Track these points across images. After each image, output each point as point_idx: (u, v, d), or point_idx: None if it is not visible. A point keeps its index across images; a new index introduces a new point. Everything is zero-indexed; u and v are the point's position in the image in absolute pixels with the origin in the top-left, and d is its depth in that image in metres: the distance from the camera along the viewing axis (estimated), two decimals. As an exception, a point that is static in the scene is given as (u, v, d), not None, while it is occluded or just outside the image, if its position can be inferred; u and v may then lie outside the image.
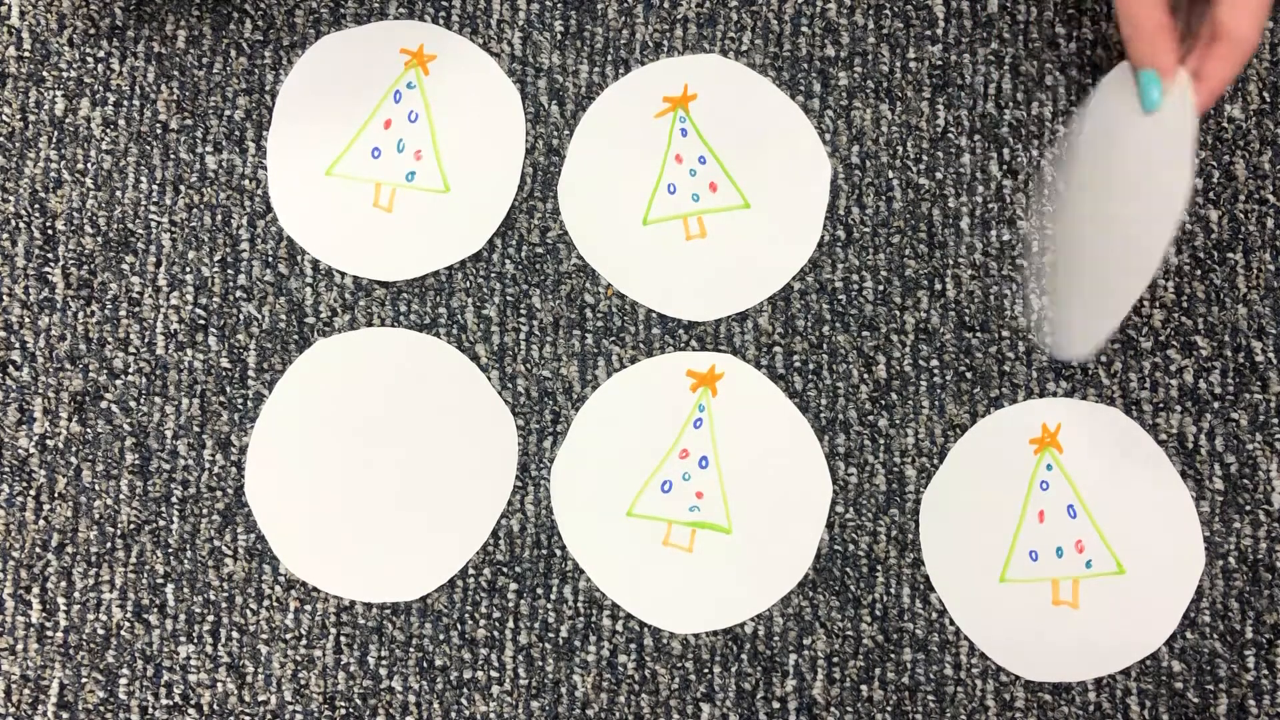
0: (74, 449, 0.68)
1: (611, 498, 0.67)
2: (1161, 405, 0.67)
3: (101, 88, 0.71)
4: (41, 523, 0.68)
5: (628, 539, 0.67)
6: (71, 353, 0.69)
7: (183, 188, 0.70)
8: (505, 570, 0.67)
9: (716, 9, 0.70)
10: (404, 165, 0.70)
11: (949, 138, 0.69)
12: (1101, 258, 0.63)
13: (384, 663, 0.66)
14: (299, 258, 0.69)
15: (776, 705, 0.65)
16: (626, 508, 0.67)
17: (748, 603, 0.66)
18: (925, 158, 0.69)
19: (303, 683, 0.66)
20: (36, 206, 0.70)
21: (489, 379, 0.68)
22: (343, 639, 0.66)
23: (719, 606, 0.66)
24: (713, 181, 0.69)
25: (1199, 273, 0.68)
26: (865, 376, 0.68)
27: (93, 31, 0.71)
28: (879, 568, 0.66)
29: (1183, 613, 0.65)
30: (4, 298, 0.69)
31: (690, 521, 0.67)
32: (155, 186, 0.70)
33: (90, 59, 0.71)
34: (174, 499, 0.68)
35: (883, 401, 0.67)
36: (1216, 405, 0.67)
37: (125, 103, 0.71)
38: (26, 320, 0.69)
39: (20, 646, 0.67)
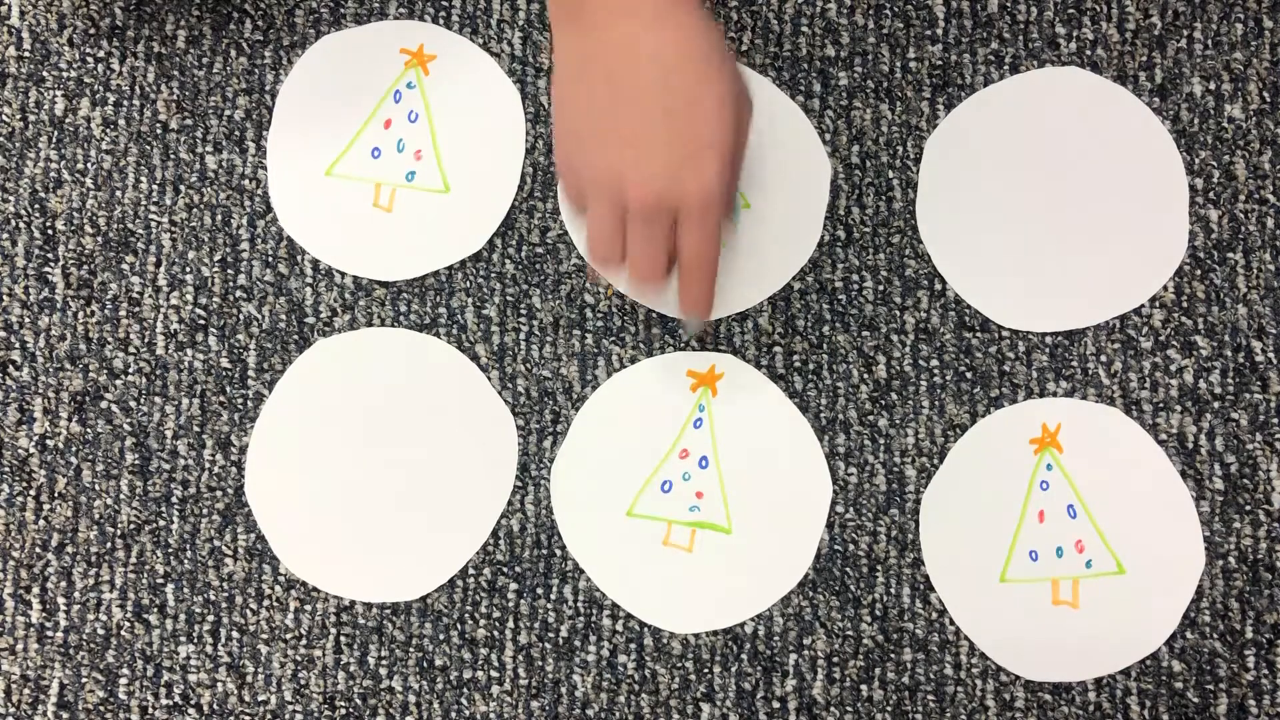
0: (74, 449, 0.68)
1: (611, 498, 0.67)
2: (1161, 405, 0.67)
3: (101, 88, 0.71)
4: (41, 523, 0.68)
5: (628, 539, 0.67)
6: (71, 353, 0.69)
7: (183, 188, 0.70)
8: (505, 570, 0.67)
9: (716, 9, 0.70)
10: (404, 165, 0.70)
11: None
12: None
13: (384, 663, 0.66)
14: (299, 258, 0.69)
15: (776, 705, 0.65)
16: (626, 508, 0.67)
17: (748, 603, 0.66)
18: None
19: (303, 683, 0.66)
20: (36, 206, 0.70)
21: (489, 379, 0.68)
22: (343, 639, 0.66)
23: (719, 606, 0.66)
24: (713, 181, 0.69)
25: (1199, 273, 0.68)
26: (865, 376, 0.68)
27: (93, 31, 0.71)
28: (879, 568, 0.66)
29: (1183, 613, 0.65)
30: (4, 298, 0.69)
31: (690, 521, 0.67)
32: (155, 186, 0.70)
33: (90, 59, 0.71)
34: (174, 499, 0.68)
35: (883, 401, 0.67)
36: (1216, 405, 0.67)
37: (125, 103, 0.71)
38: (26, 320, 0.69)
39: (20, 646, 0.67)
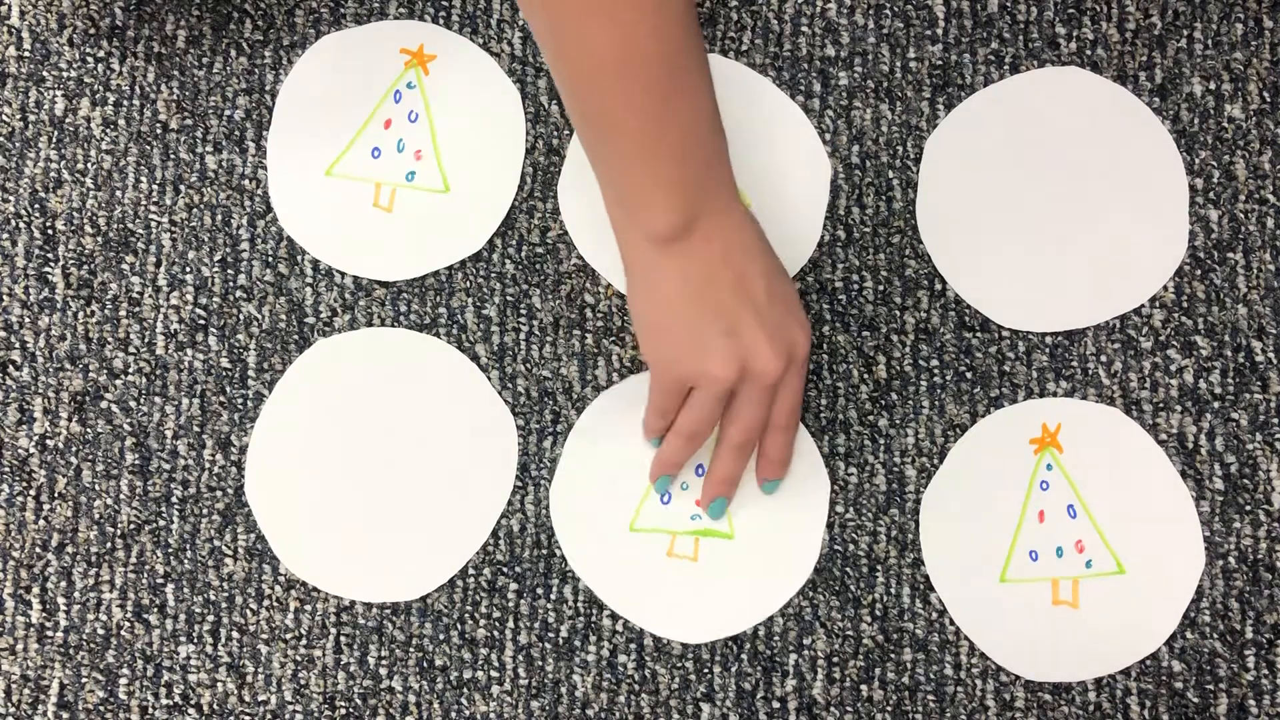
0: (74, 449, 0.68)
1: (612, 515, 0.67)
2: (1161, 405, 0.67)
3: (101, 88, 0.71)
4: (41, 523, 0.68)
5: (633, 555, 0.66)
6: (71, 353, 0.69)
7: (183, 188, 0.70)
8: (505, 570, 0.67)
9: (716, 9, 0.70)
10: (404, 165, 0.70)
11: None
12: None
13: (384, 663, 0.66)
14: (299, 258, 0.69)
15: (776, 705, 0.65)
16: (628, 523, 0.67)
17: (755, 607, 0.66)
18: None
19: (303, 683, 0.66)
20: (36, 206, 0.70)
21: (489, 379, 0.68)
22: (343, 639, 0.66)
23: (729, 614, 0.66)
24: (713, 181, 0.69)
25: (1199, 273, 0.68)
26: (865, 376, 0.68)
27: (93, 31, 0.71)
28: (879, 568, 0.66)
29: (1183, 613, 0.65)
30: (4, 298, 0.69)
31: (693, 530, 0.66)
32: (155, 186, 0.70)
33: (90, 59, 0.71)
34: (174, 499, 0.68)
35: (883, 401, 0.67)
36: (1216, 405, 0.67)
37: (125, 103, 0.71)
38: (26, 320, 0.69)
39: (20, 646, 0.67)
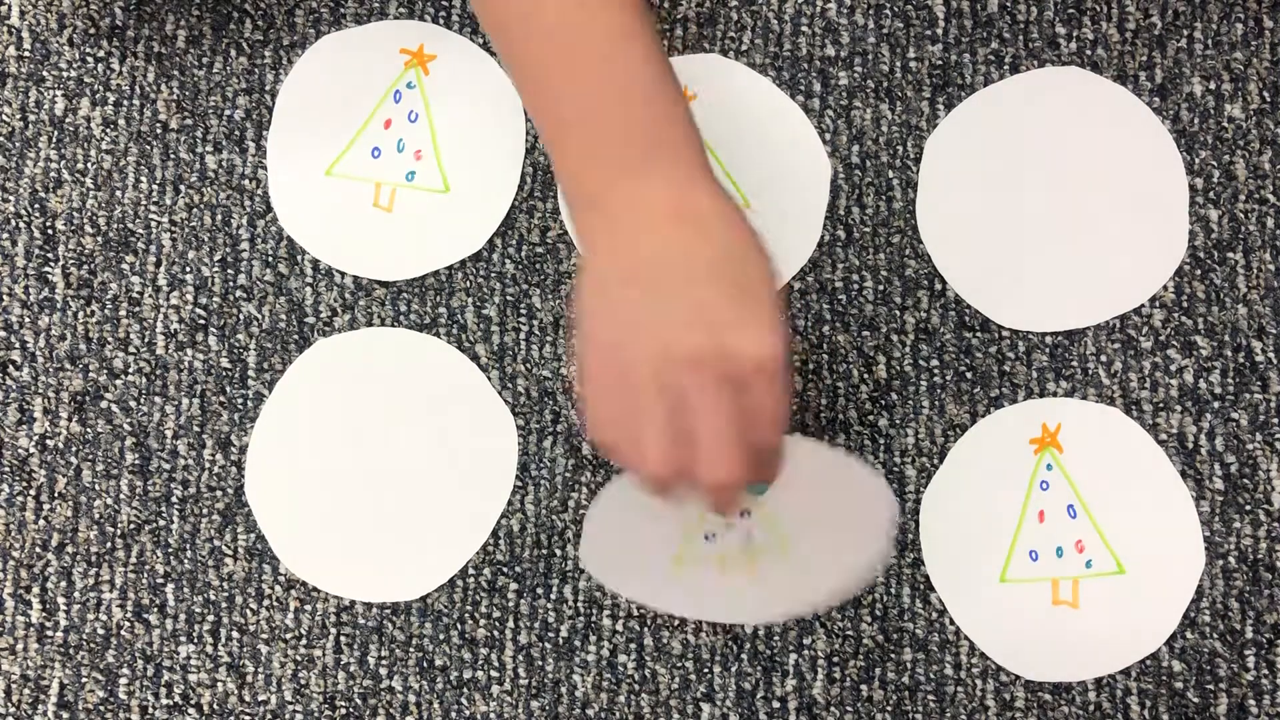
0: (74, 449, 0.68)
1: (654, 552, 0.64)
2: (1161, 405, 0.67)
3: (101, 88, 0.71)
4: (41, 523, 0.68)
5: (681, 580, 0.64)
6: (71, 353, 0.69)
7: (183, 188, 0.70)
8: (505, 570, 0.67)
9: (716, 9, 0.70)
10: (404, 165, 0.70)
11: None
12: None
13: (384, 663, 0.66)
14: (299, 258, 0.69)
15: (776, 705, 0.65)
16: (673, 559, 0.63)
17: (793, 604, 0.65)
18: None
19: (303, 683, 0.66)
20: (36, 206, 0.70)
21: (489, 379, 0.68)
22: (343, 639, 0.66)
23: (768, 607, 0.65)
24: (713, 181, 0.69)
25: (1199, 273, 0.68)
26: (865, 376, 0.68)
27: (93, 31, 0.71)
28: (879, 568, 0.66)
29: (1183, 613, 0.65)
30: (4, 298, 0.69)
31: (746, 550, 0.65)
32: (155, 186, 0.70)
33: (90, 59, 0.71)
34: (174, 499, 0.68)
35: (883, 401, 0.67)
36: (1216, 405, 0.67)
37: (125, 103, 0.71)
38: (26, 320, 0.69)
39: (20, 646, 0.67)
